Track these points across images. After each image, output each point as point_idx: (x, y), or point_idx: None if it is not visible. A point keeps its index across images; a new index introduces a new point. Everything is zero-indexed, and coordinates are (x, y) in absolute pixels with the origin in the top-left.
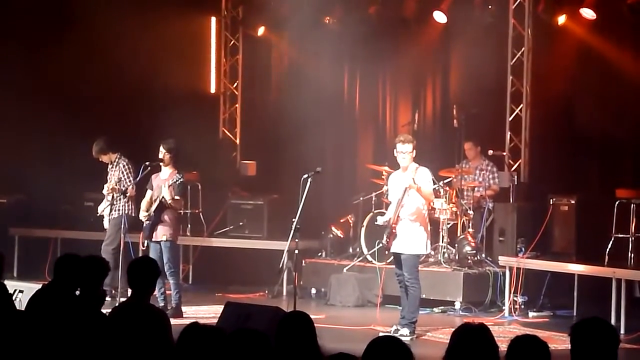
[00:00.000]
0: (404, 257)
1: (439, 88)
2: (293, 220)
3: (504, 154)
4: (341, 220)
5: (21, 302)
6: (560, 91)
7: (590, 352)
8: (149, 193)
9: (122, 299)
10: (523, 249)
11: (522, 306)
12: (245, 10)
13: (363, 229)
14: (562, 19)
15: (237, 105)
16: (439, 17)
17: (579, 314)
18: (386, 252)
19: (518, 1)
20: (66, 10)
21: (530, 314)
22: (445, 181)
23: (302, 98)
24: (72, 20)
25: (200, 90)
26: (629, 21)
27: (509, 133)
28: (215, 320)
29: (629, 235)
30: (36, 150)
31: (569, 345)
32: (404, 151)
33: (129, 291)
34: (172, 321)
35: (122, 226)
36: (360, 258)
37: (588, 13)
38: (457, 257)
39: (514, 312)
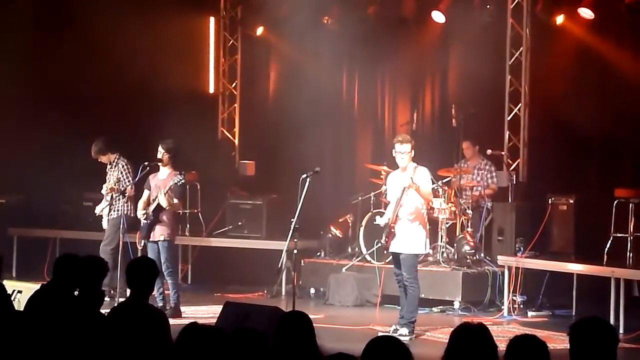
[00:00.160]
0: (402, 256)
1: (437, 88)
2: (292, 220)
3: (503, 153)
4: (340, 220)
5: (20, 302)
6: (558, 91)
7: (589, 352)
8: (145, 193)
9: (121, 299)
10: (522, 249)
11: (521, 306)
12: (244, 10)
13: (362, 229)
14: (560, 19)
15: (235, 105)
16: (438, 17)
17: (577, 314)
18: (385, 252)
19: (516, 1)
20: (65, 10)
21: (529, 313)
22: (444, 181)
23: (301, 98)
24: (71, 20)
25: (198, 90)
26: (627, 21)
27: (508, 132)
28: (214, 320)
29: (627, 235)
30: (35, 151)
31: (568, 345)
32: (402, 151)
33: (128, 291)
34: (171, 321)
35: (121, 226)
36: (359, 258)
37: (586, 13)
38: (455, 257)
39: (513, 312)
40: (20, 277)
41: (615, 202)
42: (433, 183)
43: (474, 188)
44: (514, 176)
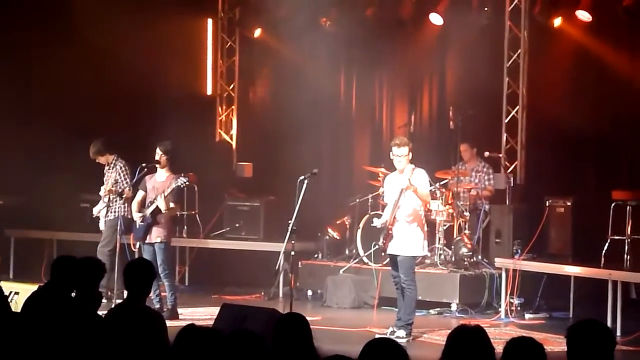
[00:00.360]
0: (400, 258)
1: (435, 90)
2: (289, 221)
3: (500, 155)
4: (337, 222)
5: (17, 304)
6: (556, 93)
7: (587, 354)
8: (140, 193)
9: (118, 301)
10: (519, 251)
11: (519, 308)
12: (242, 11)
13: (359, 231)
14: (558, 21)
15: (233, 107)
16: (435, 19)
17: (575, 316)
18: (382, 254)
19: (514, 3)
20: (63, 11)
21: (527, 315)
22: (442, 183)
23: (299, 100)
24: (69, 22)
25: (196, 92)
26: (624, 23)
27: (505, 135)
28: (212, 322)
29: (625, 237)
30: (33, 152)
31: (565, 347)
32: (400, 155)
33: (125, 293)
34: (168, 323)
35: (118, 228)
36: (357, 260)
37: (584, 15)
38: (453, 259)
39: (510, 314)
40: (18, 278)
41: (613, 204)
42: (431, 185)
43: (472, 190)
44: (512, 178)
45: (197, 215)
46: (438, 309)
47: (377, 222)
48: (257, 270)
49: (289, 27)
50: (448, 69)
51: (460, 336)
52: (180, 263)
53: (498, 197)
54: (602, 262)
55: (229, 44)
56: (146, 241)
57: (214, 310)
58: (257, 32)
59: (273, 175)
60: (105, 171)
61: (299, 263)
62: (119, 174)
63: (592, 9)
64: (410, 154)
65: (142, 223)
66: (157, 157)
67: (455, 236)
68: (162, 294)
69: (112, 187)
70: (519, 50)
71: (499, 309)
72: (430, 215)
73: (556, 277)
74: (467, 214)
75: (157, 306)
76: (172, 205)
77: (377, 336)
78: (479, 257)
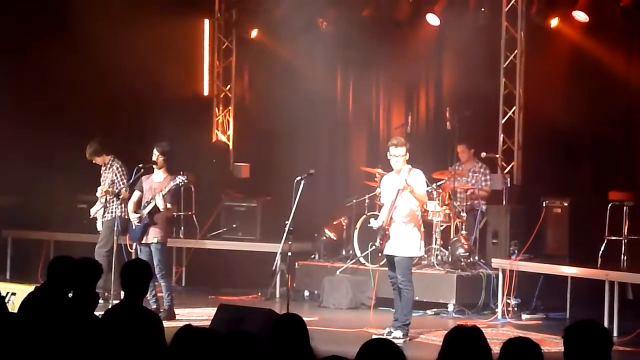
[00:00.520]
0: (397, 259)
1: (432, 90)
2: (286, 222)
3: (497, 156)
4: (334, 223)
5: (14, 304)
6: (553, 94)
7: (584, 355)
8: (136, 194)
9: (115, 302)
10: (516, 251)
11: (515, 308)
12: (239, 12)
13: (356, 231)
14: (554, 22)
15: (230, 108)
16: (432, 19)
17: (572, 317)
18: (379, 255)
19: (511, 4)
20: (59, 12)
21: (524, 316)
22: (439, 183)
23: (296, 100)
24: (65, 23)
25: (193, 93)
26: (621, 24)
27: (502, 135)
28: (209, 323)
29: (621, 238)
30: (30, 153)
31: (562, 348)
32: (397, 155)
33: (122, 294)
34: (165, 323)
35: (115, 228)
36: (353, 260)
37: (581, 16)
38: (450, 260)
39: (507, 315)
40: (15, 279)
41: (610, 205)
42: (427, 185)
43: (469, 191)
44: (509, 179)
45: (194, 216)
46: (435, 309)
47: (374, 223)
48: (254, 270)
49: (285, 27)
50: (445, 70)
51: (457, 337)
52: (177, 264)
53: (495, 197)
54: (599, 262)
55: (225, 44)
56: (143, 241)
57: (211, 311)
58: (254, 33)
59: (270, 175)
60: (102, 172)
61: (296, 264)
62: (116, 175)
63: (589, 9)
64: (408, 154)
65: (139, 224)
66: (154, 158)
67: (452, 237)
68: (159, 294)
69: (109, 188)
70: (516, 51)
71: (496, 310)
72: (427, 215)
73: (553, 277)
74: (464, 214)
75: (154, 307)
76: (169, 205)
77: (374, 337)
78: (476, 257)
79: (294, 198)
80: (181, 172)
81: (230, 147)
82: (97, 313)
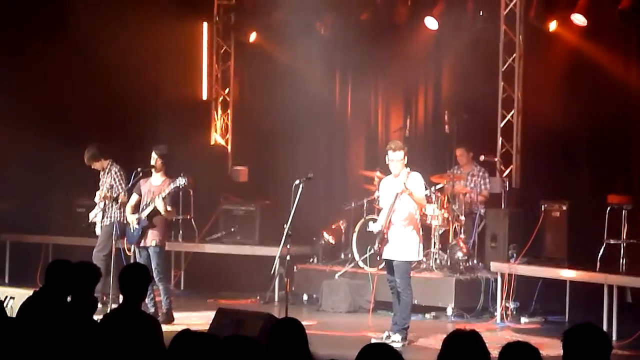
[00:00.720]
0: (395, 263)
1: (430, 94)
2: (285, 226)
3: (496, 159)
4: (333, 226)
5: (12, 308)
6: (551, 97)
7: (583, 358)
8: (134, 197)
9: (114, 306)
10: (515, 255)
11: (514, 312)
12: (237, 16)
13: (355, 235)
14: (553, 25)
15: (229, 111)
16: (431, 23)
17: (570, 320)
18: (378, 258)
19: (509, 7)
20: (57, 16)
21: (522, 320)
22: (437, 187)
23: (294, 104)
24: (64, 28)
25: (192, 96)
26: (620, 27)
27: (501, 139)
28: (207, 327)
29: (620, 241)
30: (28, 157)
31: (561, 352)
32: (395, 159)
33: (121, 298)
34: (164, 327)
35: (114, 233)
36: (352, 264)
37: (579, 19)
38: (449, 263)
39: (506, 318)
40: (13, 283)
41: (608, 208)
42: (426, 189)
43: (467, 194)
44: (507, 182)
45: (192, 220)
46: (434, 313)
47: (372, 227)
48: (252, 274)
49: (284, 31)
50: (443, 73)
51: (456, 340)
52: (176, 267)
53: (493, 201)
54: (598, 266)
55: (224, 48)
56: (141, 245)
57: (210, 315)
58: (253, 37)
59: (268, 179)
60: (100, 176)
61: (295, 267)
62: (114, 179)
63: (588, 12)
64: (406, 158)
65: (137, 226)
66: (152, 162)
67: (450, 240)
68: (157, 298)
69: (107, 192)
70: (514, 55)
71: (495, 313)
72: (426, 219)
73: (552, 281)
74: (462, 218)
75: (152, 310)
76: (169, 208)
77: (372, 340)
78: (475, 261)
79: (293, 202)
80: (181, 174)
81: (229, 150)
82: (95, 317)
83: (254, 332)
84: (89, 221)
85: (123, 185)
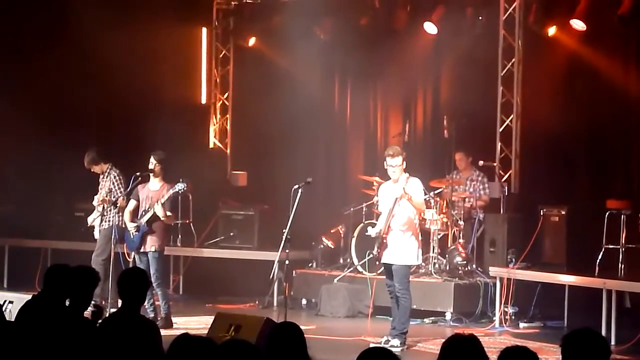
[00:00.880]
0: (394, 267)
1: (429, 99)
2: (284, 230)
3: (495, 164)
4: (332, 231)
5: (11, 312)
6: (550, 102)
7: None
8: (132, 203)
9: (113, 310)
10: (514, 260)
11: (513, 317)
12: (236, 21)
13: (354, 240)
14: (552, 30)
15: (228, 116)
16: (430, 28)
17: (569, 325)
18: (377, 263)
19: (508, 12)
20: (57, 22)
21: (521, 324)
22: (436, 192)
23: (293, 109)
24: (63, 32)
25: (191, 101)
26: (619, 32)
27: (500, 144)
28: (206, 331)
29: (619, 246)
30: (27, 161)
31: (560, 356)
32: (394, 165)
33: (120, 302)
34: (163, 332)
35: (113, 237)
36: (351, 269)
37: (578, 24)
38: (447, 268)
39: (505, 323)
40: (12, 287)
41: (607, 213)
42: (425, 194)
43: (466, 199)
44: (506, 187)
45: (191, 224)
46: (432, 317)
47: (371, 231)
48: (251, 279)
49: (283, 36)
50: (442, 78)
51: (455, 345)
52: (175, 272)
53: (492, 206)
54: (597, 271)
55: (223, 53)
56: (141, 250)
57: (208, 319)
58: (252, 41)
59: (267, 184)
60: (100, 180)
61: (293, 272)
62: (113, 183)
63: (587, 17)
64: (405, 163)
65: (137, 233)
66: (151, 166)
67: (449, 245)
68: (156, 303)
69: (106, 196)
70: (513, 60)
71: (494, 318)
72: (425, 224)
73: (550, 286)
74: (461, 222)
75: (152, 315)
76: (169, 213)
77: (371, 345)
78: (474, 266)
79: (292, 206)
80: (180, 180)
81: (228, 155)
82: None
83: (252, 336)
84: (88, 225)
85: (122, 190)
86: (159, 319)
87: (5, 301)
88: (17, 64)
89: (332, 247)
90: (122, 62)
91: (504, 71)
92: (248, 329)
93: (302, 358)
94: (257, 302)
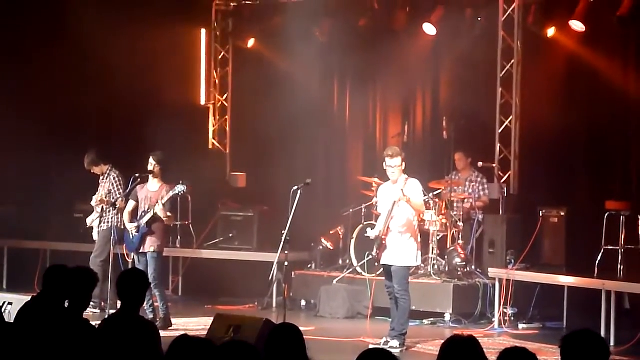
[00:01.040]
0: (394, 269)
1: (428, 100)
2: (283, 232)
3: (494, 165)
4: (331, 232)
5: (10, 314)
6: (549, 103)
7: None
8: (131, 203)
9: (112, 311)
10: (513, 261)
11: (512, 318)
12: (236, 22)
13: (353, 241)
14: (551, 31)
15: (227, 117)
16: (429, 29)
17: (568, 326)
18: (376, 264)
19: (507, 13)
20: (57, 22)
21: (520, 325)
22: (435, 193)
23: (292, 110)
24: (63, 32)
25: (190, 102)
26: (618, 34)
27: (499, 145)
28: (205, 332)
29: (618, 247)
30: (26, 162)
31: (559, 357)
32: (393, 165)
33: (119, 303)
34: (162, 333)
35: (112, 238)
36: (350, 270)
37: (577, 25)
38: (447, 269)
39: (504, 324)
40: (11, 288)
41: (606, 214)
42: (424, 195)
43: (465, 200)
44: (505, 189)
45: (190, 226)
46: (432, 319)
47: (370, 233)
48: (250, 280)
49: (282, 37)
50: (441, 79)
51: (454, 346)
52: (174, 273)
53: (491, 207)
54: (596, 272)
55: (222, 54)
56: (140, 251)
57: (208, 321)
58: (251, 43)
59: (266, 185)
60: (100, 181)
61: (293, 273)
62: (113, 185)
63: (586, 19)
64: (404, 164)
65: (136, 233)
66: (150, 167)
67: (448, 246)
68: (155, 304)
69: (105, 197)
70: (513, 61)
71: (493, 319)
72: (424, 225)
73: (550, 287)
74: (460, 224)
75: (151, 316)
76: (169, 214)
77: (370, 346)
78: (473, 267)
79: (291, 207)
80: (180, 182)
81: (227, 156)
82: (94, 322)
83: (251, 337)
84: (87, 226)
85: (121, 191)
86: (157, 320)
87: (4, 302)
88: (17, 64)
89: (332, 248)
90: (122, 63)
91: (503, 72)
92: (247, 330)
93: (302, 359)
94: (256, 303)
